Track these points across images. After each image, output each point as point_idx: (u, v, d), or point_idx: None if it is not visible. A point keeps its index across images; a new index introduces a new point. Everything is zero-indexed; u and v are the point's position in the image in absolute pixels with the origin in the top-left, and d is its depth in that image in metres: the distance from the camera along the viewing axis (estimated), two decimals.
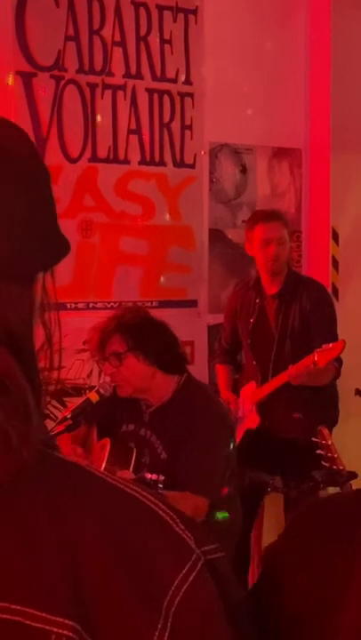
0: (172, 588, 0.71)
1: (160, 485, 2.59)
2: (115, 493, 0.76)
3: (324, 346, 3.59)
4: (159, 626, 0.70)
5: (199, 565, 0.74)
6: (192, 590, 0.72)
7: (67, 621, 0.69)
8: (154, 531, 0.74)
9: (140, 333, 2.83)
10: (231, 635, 0.74)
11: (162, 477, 2.58)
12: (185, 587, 0.72)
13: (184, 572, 0.73)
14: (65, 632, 0.69)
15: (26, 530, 0.71)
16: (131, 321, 2.86)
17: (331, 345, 3.58)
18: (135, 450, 2.85)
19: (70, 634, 0.69)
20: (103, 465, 2.76)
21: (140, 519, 0.75)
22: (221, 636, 0.74)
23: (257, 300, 4.01)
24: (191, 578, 0.72)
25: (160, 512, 0.75)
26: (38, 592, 0.70)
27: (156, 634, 0.70)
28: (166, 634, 0.70)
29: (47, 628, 0.69)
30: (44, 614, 0.69)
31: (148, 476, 2.62)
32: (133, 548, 0.72)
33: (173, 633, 0.70)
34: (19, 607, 0.69)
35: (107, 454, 2.82)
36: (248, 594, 0.89)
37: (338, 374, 3.83)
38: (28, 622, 0.69)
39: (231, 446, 2.91)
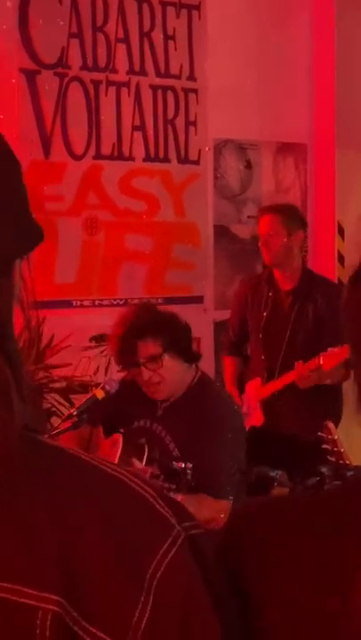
0: (154, 563, 0.73)
1: (188, 472, 2.59)
2: (97, 473, 0.77)
3: (330, 349, 3.57)
4: (142, 599, 0.72)
5: (180, 541, 0.75)
6: (173, 565, 0.74)
7: (53, 597, 0.70)
8: (135, 508, 0.76)
9: (168, 331, 2.80)
10: (213, 608, 0.76)
11: (190, 465, 2.59)
12: (166, 561, 0.74)
13: (165, 546, 0.74)
14: (51, 607, 0.70)
15: (19, 512, 0.73)
16: (155, 321, 2.83)
17: (337, 349, 3.56)
18: (147, 446, 2.84)
19: (57, 609, 0.70)
20: (116, 461, 2.76)
21: (122, 497, 0.76)
22: (203, 609, 0.75)
23: (270, 294, 3.99)
24: (172, 553, 0.74)
25: (140, 489, 0.77)
26: (27, 570, 0.71)
27: (139, 607, 0.72)
28: (148, 607, 0.72)
29: (34, 603, 0.70)
30: (30, 590, 0.71)
31: (177, 464, 2.62)
32: (117, 526, 0.74)
33: (156, 606, 0.72)
34: (6, 585, 0.71)
35: (119, 450, 2.81)
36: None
37: (348, 376, 3.82)
38: (14, 599, 0.71)
39: (241, 443, 2.90)
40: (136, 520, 0.75)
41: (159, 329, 2.79)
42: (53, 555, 0.71)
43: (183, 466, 2.59)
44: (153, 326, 2.80)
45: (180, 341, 2.83)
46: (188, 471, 2.58)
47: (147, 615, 0.72)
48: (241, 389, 4.07)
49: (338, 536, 0.84)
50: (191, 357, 2.89)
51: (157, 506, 0.77)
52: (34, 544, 0.72)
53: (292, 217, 3.96)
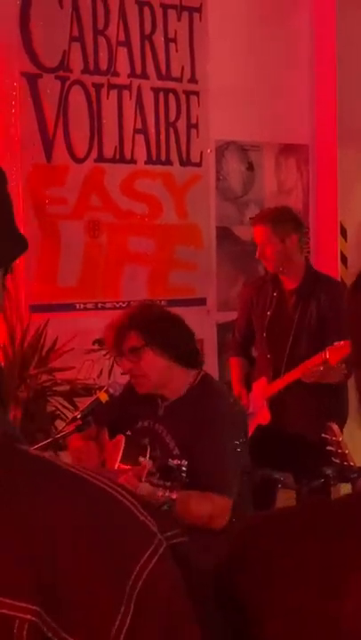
0: (135, 572, 0.72)
1: (184, 468, 2.60)
2: (79, 482, 0.77)
3: (336, 343, 3.58)
4: (122, 609, 0.71)
5: (161, 550, 0.75)
6: (155, 574, 0.73)
7: (30, 606, 0.70)
8: (116, 516, 0.75)
9: (157, 327, 2.82)
10: (195, 618, 0.75)
11: (185, 462, 2.60)
12: (147, 570, 0.73)
13: (147, 555, 0.74)
14: (28, 617, 0.69)
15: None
16: (146, 316, 2.86)
17: (342, 342, 3.57)
18: (149, 447, 2.85)
19: (34, 619, 0.69)
20: (117, 463, 2.77)
21: (103, 505, 0.76)
22: (185, 618, 0.75)
23: (274, 294, 3.99)
24: (154, 561, 0.73)
25: (121, 498, 0.77)
26: (4, 580, 0.71)
27: (119, 616, 0.71)
28: (129, 617, 0.71)
29: (10, 613, 0.70)
30: (6, 600, 0.70)
31: (173, 461, 2.63)
32: (98, 535, 0.73)
33: (137, 615, 0.71)
34: None
35: (121, 452, 2.82)
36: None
37: (349, 375, 3.82)
38: None
39: (243, 443, 2.91)
40: (117, 529, 0.75)
41: (145, 322, 2.81)
42: (32, 565, 0.71)
43: (179, 463, 2.60)
44: (141, 320, 2.82)
45: (167, 339, 2.82)
46: (184, 468, 2.59)
47: (127, 625, 0.71)
48: (248, 390, 4.08)
49: (340, 538, 0.83)
50: (186, 361, 2.87)
51: (139, 514, 0.76)
52: (11, 554, 0.71)
53: (281, 222, 3.91)
